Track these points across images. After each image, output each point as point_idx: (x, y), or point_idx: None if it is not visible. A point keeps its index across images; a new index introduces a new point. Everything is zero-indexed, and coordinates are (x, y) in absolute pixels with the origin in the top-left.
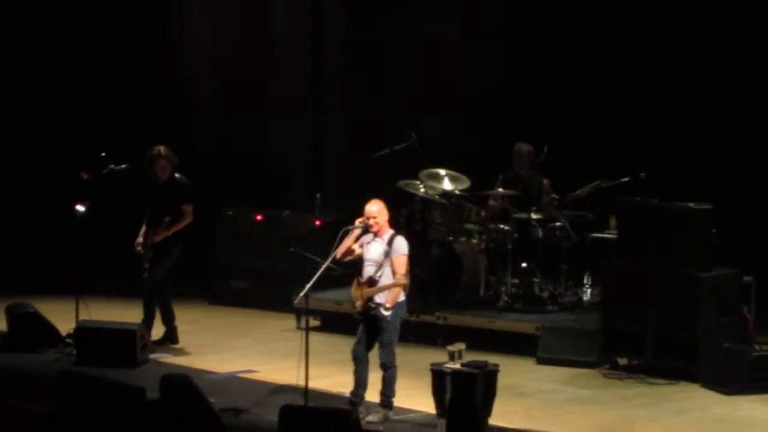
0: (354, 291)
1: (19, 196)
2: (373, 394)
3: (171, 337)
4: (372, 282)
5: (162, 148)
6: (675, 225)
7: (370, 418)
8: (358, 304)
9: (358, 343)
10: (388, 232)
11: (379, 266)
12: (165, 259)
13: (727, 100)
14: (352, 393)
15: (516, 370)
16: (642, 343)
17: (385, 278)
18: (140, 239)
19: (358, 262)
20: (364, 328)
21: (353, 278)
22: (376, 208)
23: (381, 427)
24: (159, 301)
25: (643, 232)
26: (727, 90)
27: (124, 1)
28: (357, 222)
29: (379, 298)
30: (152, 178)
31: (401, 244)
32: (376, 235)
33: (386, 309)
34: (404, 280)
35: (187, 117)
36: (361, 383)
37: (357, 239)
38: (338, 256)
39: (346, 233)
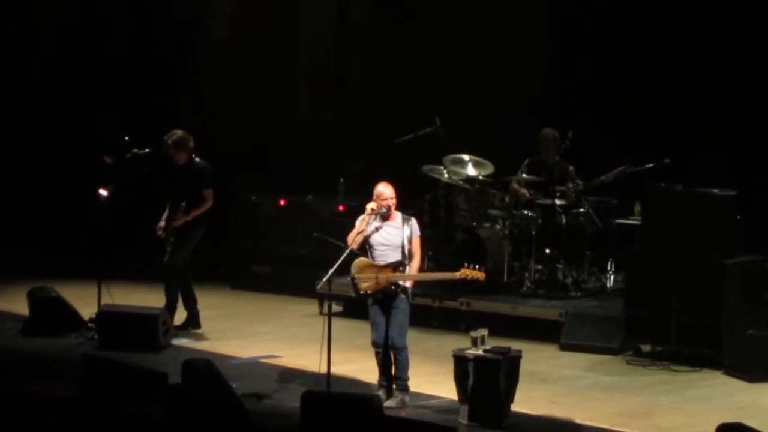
0: (361, 271)
1: (43, 180)
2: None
3: (193, 321)
4: (399, 265)
5: (179, 133)
6: (699, 211)
7: (388, 403)
8: (366, 285)
9: (376, 330)
10: (398, 215)
11: (401, 249)
12: (185, 243)
13: (753, 84)
14: (380, 379)
15: (539, 356)
16: (665, 330)
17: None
18: (161, 223)
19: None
20: (380, 312)
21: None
22: (389, 191)
23: (403, 413)
24: (181, 286)
25: (667, 219)
26: (754, 74)
27: None
28: (369, 207)
29: (402, 282)
30: (172, 162)
31: (416, 225)
32: (385, 219)
33: (404, 292)
34: (478, 274)
35: (210, 103)
36: (385, 369)
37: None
38: (355, 247)
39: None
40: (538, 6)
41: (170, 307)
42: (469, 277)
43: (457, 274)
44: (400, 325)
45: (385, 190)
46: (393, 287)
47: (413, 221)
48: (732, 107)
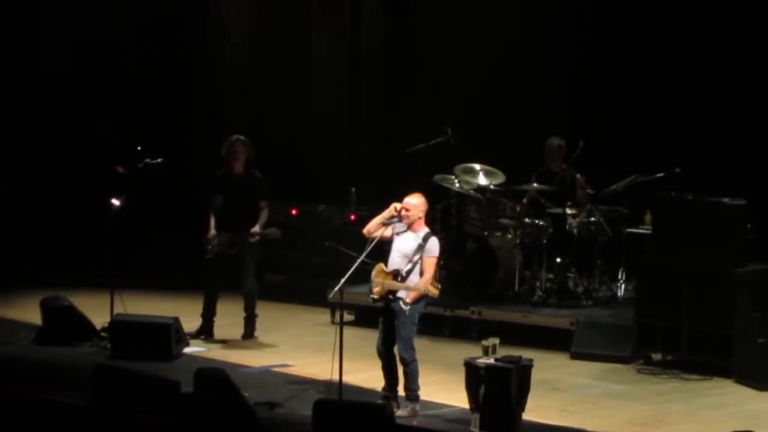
0: (376, 276)
1: (56, 190)
2: (400, 389)
3: (207, 330)
4: (397, 274)
5: (241, 137)
6: (710, 220)
7: (399, 412)
8: (377, 290)
9: (379, 338)
10: (424, 229)
11: (409, 261)
12: (253, 262)
13: (764, 92)
14: (384, 388)
15: (550, 364)
16: (676, 339)
17: (414, 276)
18: (213, 232)
19: (386, 249)
20: (383, 322)
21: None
22: (414, 201)
23: (414, 422)
24: (207, 294)
25: (678, 227)
26: (765, 82)
27: None
28: (393, 206)
29: (401, 293)
30: (227, 168)
31: (435, 245)
32: (410, 227)
33: (405, 304)
34: (433, 290)
35: (223, 114)
36: (390, 378)
37: (388, 223)
38: (369, 233)
39: (374, 240)
40: (549, 17)
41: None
42: (429, 293)
43: (420, 287)
44: (404, 339)
45: (409, 198)
46: (390, 296)
47: (432, 240)
48: (743, 116)
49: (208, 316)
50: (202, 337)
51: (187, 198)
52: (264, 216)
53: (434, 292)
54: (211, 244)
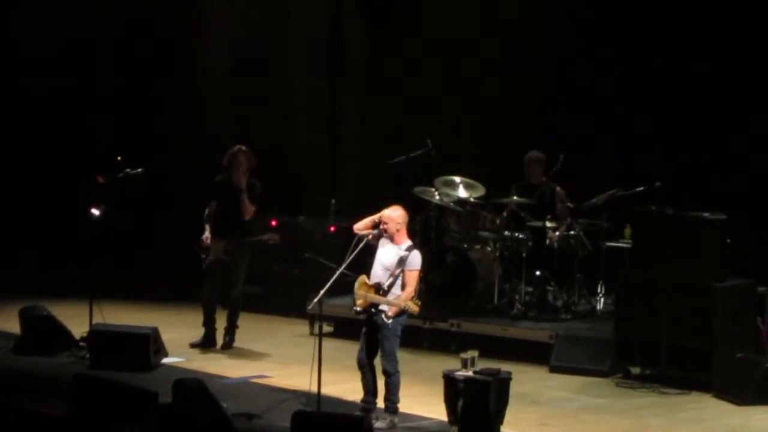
0: (358, 288)
1: (35, 199)
2: (380, 401)
3: (210, 341)
4: (379, 288)
5: (243, 148)
6: (690, 234)
7: (378, 425)
8: (359, 302)
9: (361, 350)
10: (406, 242)
11: (390, 274)
12: (245, 268)
13: (744, 108)
14: (363, 400)
15: (529, 378)
16: (655, 353)
17: (396, 288)
18: (207, 234)
19: (368, 261)
20: (365, 334)
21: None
22: (393, 214)
23: None
24: (212, 303)
25: (657, 242)
26: (744, 97)
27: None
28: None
29: (383, 306)
30: (226, 175)
31: (417, 258)
32: (393, 240)
33: (387, 317)
34: (413, 307)
35: (203, 126)
36: (369, 390)
37: (377, 234)
38: (360, 227)
39: (361, 240)
40: (530, 30)
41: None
42: (409, 309)
43: (401, 303)
44: (387, 352)
45: (386, 212)
46: (372, 309)
47: (414, 254)
48: (723, 130)
49: (210, 324)
50: (207, 347)
51: (167, 208)
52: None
53: (414, 309)
54: (206, 253)
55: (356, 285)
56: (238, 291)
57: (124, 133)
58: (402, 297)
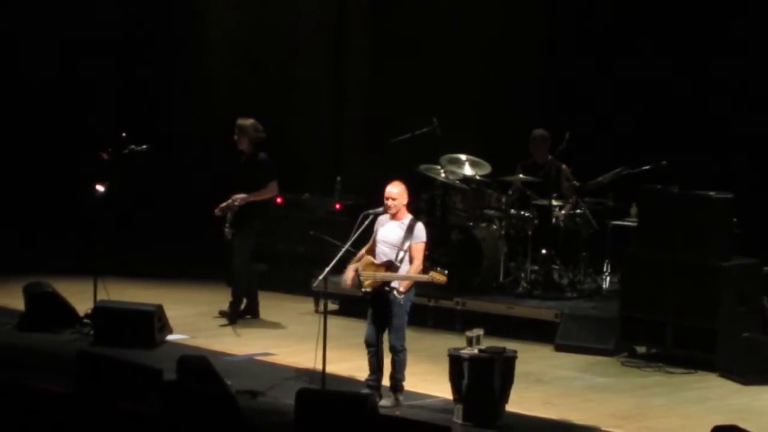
0: (364, 270)
1: (40, 177)
2: (384, 379)
3: (252, 311)
4: (390, 265)
5: (247, 121)
6: (696, 214)
7: (382, 403)
8: (368, 283)
9: (369, 328)
10: (407, 216)
11: (399, 249)
12: (247, 237)
13: (750, 88)
14: (368, 378)
15: (534, 356)
16: (661, 332)
17: (404, 264)
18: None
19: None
20: (373, 312)
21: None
22: (396, 190)
23: (397, 412)
24: (244, 279)
25: (663, 221)
26: (751, 77)
27: None
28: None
29: (394, 282)
30: (237, 151)
31: (422, 231)
32: (393, 217)
33: (399, 293)
34: (440, 277)
35: (207, 102)
36: (375, 368)
37: (372, 224)
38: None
39: (366, 217)
40: (539, 6)
41: (236, 305)
42: (435, 280)
43: (426, 277)
44: (396, 328)
45: (390, 188)
46: (385, 287)
47: (418, 226)
48: (729, 109)
49: (252, 296)
50: (248, 316)
51: (171, 185)
52: (267, 192)
53: (441, 278)
54: (226, 227)
55: (361, 267)
56: (235, 263)
57: (128, 114)
58: (411, 270)
